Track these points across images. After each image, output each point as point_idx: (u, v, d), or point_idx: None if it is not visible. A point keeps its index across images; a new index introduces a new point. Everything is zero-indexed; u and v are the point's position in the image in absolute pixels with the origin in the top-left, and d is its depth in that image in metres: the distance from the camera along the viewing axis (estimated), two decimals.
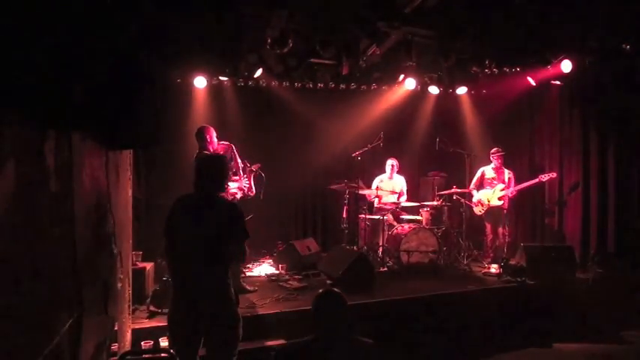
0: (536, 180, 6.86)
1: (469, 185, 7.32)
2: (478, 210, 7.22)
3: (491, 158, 7.16)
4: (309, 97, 7.73)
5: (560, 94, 7.28)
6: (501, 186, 7.03)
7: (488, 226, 7.21)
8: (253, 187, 5.73)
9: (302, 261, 6.56)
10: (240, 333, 3.18)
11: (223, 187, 3.27)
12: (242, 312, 4.70)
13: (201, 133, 5.42)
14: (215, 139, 5.46)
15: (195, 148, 5.45)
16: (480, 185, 7.28)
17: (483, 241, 7.40)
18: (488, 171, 7.22)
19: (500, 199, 7.02)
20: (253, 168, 5.79)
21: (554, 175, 6.84)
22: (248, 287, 5.52)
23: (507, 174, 7.11)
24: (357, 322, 2.59)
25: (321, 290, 2.54)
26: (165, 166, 6.85)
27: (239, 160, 5.72)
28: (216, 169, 3.22)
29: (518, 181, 7.09)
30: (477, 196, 7.23)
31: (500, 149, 7.14)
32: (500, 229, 7.07)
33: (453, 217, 7.56)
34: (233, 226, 3.13)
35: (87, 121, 2.12)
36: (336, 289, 2.53)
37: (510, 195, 6.99)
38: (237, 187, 5.53)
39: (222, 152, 5.49)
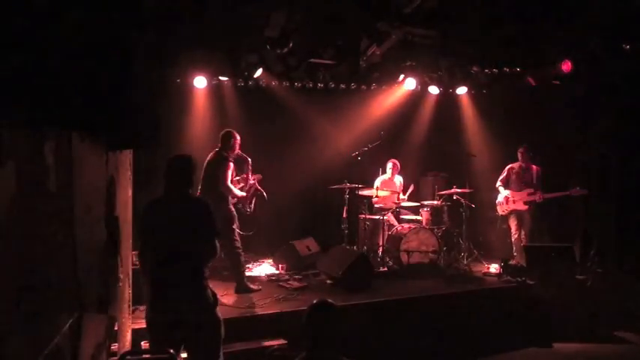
0: (567, 193, 6.58)
1: (498, 182, 7.08)
2: (501, 210, 7.06)
3: (518, 155, 6.99)
4: (309, 97, 7.72)
5: (560, 94, 7.28)
6: (530, 190, 6.78)
7: (513, 226, 6.98)
8: (252, 206, 5.84)
9: (302, 261, 6.56)
10: (221, 334, 3.15)
11: (192, 185, 3.27)
12: (242, 312, 4.77)
13: (228, 136, 5.55)
14: (237, 146, 5.59)
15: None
16: (507, 183, 7.06)
17: (484, 241, 7.37)
18: (515, 169, 7.01)
19: (526, 203, 6.81)
20: (252, 179, 5.87)
21: (585, 191, 6.51)
22: (253, 286, 5.53)
23: (536, 173, 6.89)
24: (349, 336, 2.44)
25: (315, 301, 2.42)
26: (165, 166, 6.84)
27: (250, 177, 5.83)
28: (185, 168, 3.23)
29: (542, 179, 6.86)
30: (504, 194, 7.02)
31: (526, 146, 6.92)
32: (523, 232, 6.90)
33: (453, 217, 7.55)
34: (203, 223, 3.14)
35: (87, 121, 2.12)
36: (329, 301, 2.41)
37: (537, 200, 6.72)
38: (240, 196, 5.61)
39: (234, 159, 5.59)
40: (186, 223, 3.11)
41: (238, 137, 5.61)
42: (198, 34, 5.47)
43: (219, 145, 5.57)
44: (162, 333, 3.05)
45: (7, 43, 1.54)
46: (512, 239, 7.01)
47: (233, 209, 5.48)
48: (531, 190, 6.80)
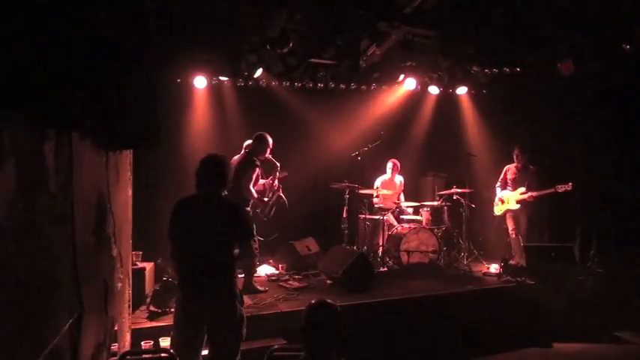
0: (552, 190, 6.67)
1: (497, 183, 7.19)
2: (497, 210, 7.13)
3: (514, 156, 7.04)
4: (309, 97, 7.72)
5: (560, 93, 7.27)
6: (522, 189, 6.87)
7: (510, 226, 7.04)
8: (271, 212, 5.88)
9: (302, 261, 6.56)
10: (244, 333, 3.20)
11: (224, 186, 3.27)
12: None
13: (262, 140, 5.59)
14: (268, 151, 5.66)
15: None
16: (504, 185, 7.15)
17: (484, 241, 7.39)
18: (511, 170, 7.09)
19: (517, 202, 6.90)
20: (279, 192, 5.92)
21: (569, 187, 6.61)
22: (259, 287, 5.54)
23: (530, 172, 6.93)
24: (349, 337, 2.42)
25: (313, 301, 2.39)
26: (165, 166, 6.85)
27: (276, 182, 5.87)
28: (217, 170, 3.23)
29: (541, 180, 6.92)
30: (499, 195, 7.13)
31: (520, 148, 6.98)
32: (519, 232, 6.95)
33: (453, 217, 7.55)
34: (237, 225, 3.14)
35: (87, 121, 2.12)
36: (328, 301, 2.38)
37: (527, 199, 6.79)
38: (259, 201, 5.65)
39: (262, 163, 5.64)
40: (219, 224, 3.12)
41: (271, 141, 5.64)
42: (199, 34, 5.46)
43: (250, 146, 5.59)
44: (190, 331, 3.10)
45: (7, 42, 1.54)
46: (510, 238, 7.06)
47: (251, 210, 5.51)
48: (523, 190, 6.87)
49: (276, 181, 5.88)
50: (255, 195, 5.56)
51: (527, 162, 6.99)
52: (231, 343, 3.15)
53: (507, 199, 7.01)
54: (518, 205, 6.90)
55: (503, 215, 7.10)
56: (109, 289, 3.05)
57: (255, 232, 3.32)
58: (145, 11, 2.37)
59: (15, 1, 1.59)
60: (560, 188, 6.63)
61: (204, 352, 3.26)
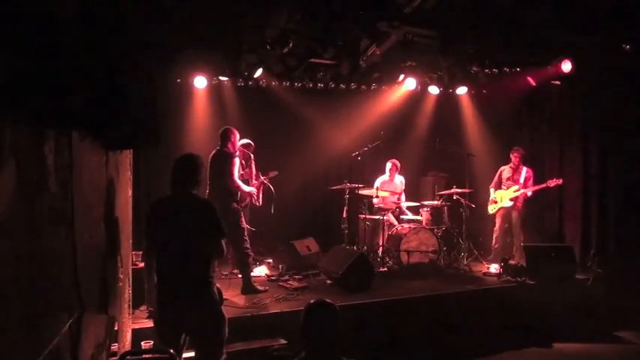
0: (544, 185, 6.81)
1: (490, 184, 7.34)
2: (490, 209, 7.23)
3: (510, 156, 7.15)
4: (309, 97, 7.72)
5: (560, 94, 7.28)
6: (515, 187, 6.98)
7: (497, 222, 7.20)
8: (260, 198, 5.99)
9: (302, 261, 6.55)
10: (225, 332, 3.18)
11: (197, 184, 3.27)
12: (242, 312, 4.76)
13: (227, 133, 5.59)
14: (237, 142, 5.69)
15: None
16: (499, 185, 7.25)
17: (484, 241, 7.41)
18: (506, 170, 7.20)
19: (511, 199, 6.98)
20: (264, 180, 6.09)
21: (560, 181, 6.75)
22: (259, 287, 5.53)
23: (525, 173, 7.05)
24: (347, 336, 2.41)
25: (312, 301, 2.39)
26: (165, 166, 6.84)
27: (253, 169, 5.90)
28: (190, 168, 3.25)
29: (537, 181, 7.01)
30: (493, 196, 7.24)
31: (519, 147, 7.12)
32: (516, 231, 7.04)
33: (453, 217, 7.55)
34: (209, 223, 3.14)
35: (87, 121, 2.12)
36: (327, 300, 2.38)
37: (522, 196, 6.93)
38: (247, 191, 5.72)
39: (239, 155, 5.71)
40: (192, 222, 3.12)
41: (237, 133, 5.66)
42: (199, 34, 5.46)
43: (219, 143, 5.58)
44: (170, 332, 3.09)
45: (7, 43, 1.54)
46: (496, 235, 7.23)
47: (238, 206, 5.50)
48: (517, 188, 6.98)
49: (254, 170, 6.01)
50: (245, 188, 5.60)
51: (522, 161, 7.09)
52: (212, 343, 3.14)
53: (501, 198, 7.13)
54: (511, 203, 7.00)
55: (495, 214, 7.21)
56: (109, 289, 3.05)
57: (225, 231, 3.29)
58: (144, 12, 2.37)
59: (16, 5, 1.59)
60: (552, 183, 6.77)
61: (190, 354, 3.24)
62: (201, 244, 3.11)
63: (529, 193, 6.95)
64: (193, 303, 3.06)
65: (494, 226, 7.26)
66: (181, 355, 3.15)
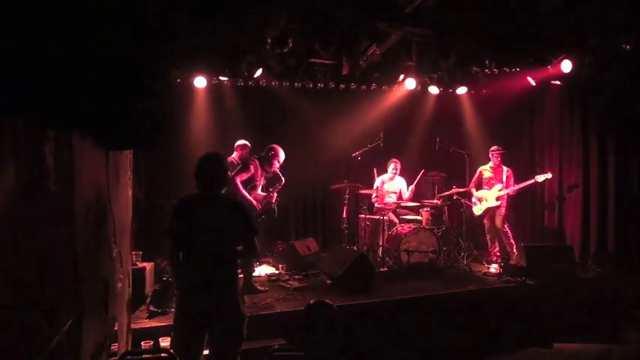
0: (532, 181, 6.84)
1: (469, 185, 7.32)
2: (476, 210, 7.21)
3: (490, 156, 7.16)
4: (309, 97, 7.72)
5: (560, 94, 7.28)
6: (499, 186, 7.01)
7: (486, 225, 7.21)
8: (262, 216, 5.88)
9: (302, 261, 6.55)
10: (244, 333, 3.20)
11: (225, 184, 3.28)
12: None
13: (272, 150, 5.72)
14: (277, 164, 5.77)
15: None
16: (479, 185, 7.25)
17: (484, 241, 7.41)
18: (486, 170, 7.20)
19: (497, 199, 7.00)
20: (270, 198, 5.92)
21: (549, 175, 6.80)
22: (259, 287, 5.53)
23: (506, 172, 7.08)
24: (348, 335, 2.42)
25: (311, 301, 2.39)
26: (165, 166, 6.86)
27: (275, 194, 5.92)
28: (217, 167, 3.24)
29: (517, 180, 7.07)
30: (476, 195, 7.22)
31: (499, 147, 7.13)
32: (501, 229, 7.05)
33: (453, 217, 7.55)
34: (240, 223, 3.14)
35: (87, 121, 2.12)
36: (327, 301, 2.38)
37: (511, 193, 6.99)
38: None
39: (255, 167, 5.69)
40: (222, 222, 3.12)
41: (282, 155, 5.73)
42: (199, 35, 5.46)
43: (262, 154, 5.69)
44: (191, 331, 3.09)
45: (8, 43, 1.54)
46: (488, 236, 7.23)
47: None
48: (501, 187, 7.00)
49: (275, 195, 5.91)
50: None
51: (500, 161, 7.10)
52: (232, 343, 3.15)
53: (486, 197, 7.10)
54: (498, 202, 7.00)
55: (482, 215, 7.18)
56: (109, 289, 3.05)
57: (257, 230, 3.30)
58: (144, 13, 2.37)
59: (20, 8, 1.59)
60: (540, 178, 6.77)
61: (205, 351, 3.25)
62: (230, 243, 3.13)
63: (511, 192, 6.97)
64: (218, 302, 3.08)
65: (484, 228, 7.25)
66: (201, 354, 3.15)
